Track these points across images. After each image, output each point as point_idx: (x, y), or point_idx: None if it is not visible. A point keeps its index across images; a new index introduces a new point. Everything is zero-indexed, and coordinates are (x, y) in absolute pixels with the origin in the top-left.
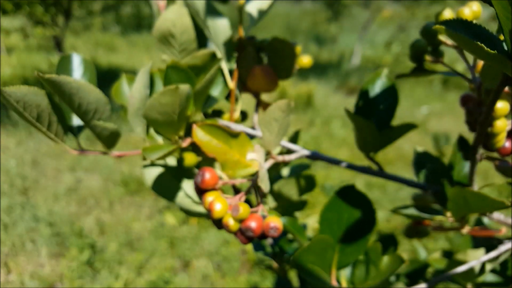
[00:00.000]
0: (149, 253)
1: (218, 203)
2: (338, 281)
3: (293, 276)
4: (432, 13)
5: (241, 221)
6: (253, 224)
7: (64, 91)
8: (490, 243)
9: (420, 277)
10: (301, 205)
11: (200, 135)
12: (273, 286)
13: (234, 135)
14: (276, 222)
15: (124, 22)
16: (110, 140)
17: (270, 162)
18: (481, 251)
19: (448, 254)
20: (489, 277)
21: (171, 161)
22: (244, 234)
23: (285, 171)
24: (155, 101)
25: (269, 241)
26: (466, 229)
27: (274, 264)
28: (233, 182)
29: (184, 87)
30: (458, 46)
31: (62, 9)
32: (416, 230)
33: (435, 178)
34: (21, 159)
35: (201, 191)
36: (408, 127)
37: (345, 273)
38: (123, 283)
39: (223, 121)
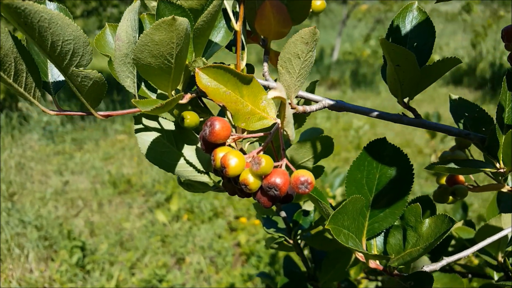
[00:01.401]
0: (141, 251)
1: (233, 157)
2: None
3: (297, 260)
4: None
5: (263, 177)
6: (278, 179)
7: (32, 24)
8: None
9: (444, 250)
10: (317, 172)
11: (204, 80)
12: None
13: (246, 80)
14: (306, 175)
15: None
16: (93, 93)
17: (291, 111)
18: None
19: (469, 224)
20: None
21: (168, 125)
22: (267, 194)
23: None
24: (147, 38)
25: (282, 214)
26: (506, 188)
27: (290, 242)
28: (247, 136)
29: (182, 20)
30: None
31: None
32: (452, 190)
33: (476, 125)
34: (5, 164)
35: (209, 147)
36: (452, 62)
37: (377, 242)
38: (116, 283)
39: None
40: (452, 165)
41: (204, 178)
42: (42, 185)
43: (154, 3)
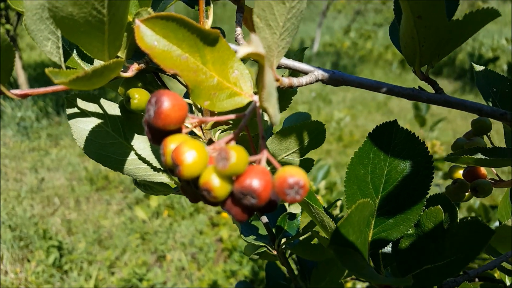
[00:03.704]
0: (120, 250)
1: (190, 150)
2: (378, 262)
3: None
4: None
5: (233, 179)
6: (256, 182)
7: None
8: None
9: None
10: (305, 166)
11: (149, 37)
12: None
13: (210, 39)
14: (297, 175)
15: None
16: None
17: (273, 78)
18: None
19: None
20: None
21: (113, 109)
22: (240, 203)
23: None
24: None
25: (263, 219)
26: None
27: (273, 251)
28: (212, 119)
29: None
30: None
31: None
32: (472, 186)
33: (506, 102)
34: None
35: (157, 135)
36: (491, 13)
37: (383, 255)
38: (94, 283)
39: None
40: (480, 155)
41: (162, 177)
42: (17, 183)
43: None
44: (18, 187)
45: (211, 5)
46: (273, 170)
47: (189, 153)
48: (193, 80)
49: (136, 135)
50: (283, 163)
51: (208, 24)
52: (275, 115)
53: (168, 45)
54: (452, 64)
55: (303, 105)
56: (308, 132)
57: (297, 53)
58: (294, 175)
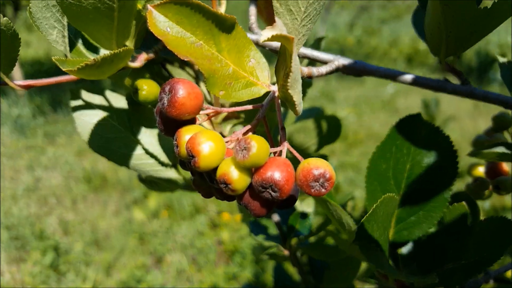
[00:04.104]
0: (118, 251)
1: (207, 140)
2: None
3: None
4: None
5: (253, 171)
6: (278, 174)
7: None
8: None
9: None
10: None
11: (162, 23)
12: (252, 276)
13: (226, 26)
14: (323, 167)
15: None
16: (3, 52)
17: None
18: None
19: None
20: None
21: (119, 101)
22: (259, 196)
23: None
24: None
25: (274, 218)
26: None
27: (284, 251)
28: (228, 110)
29: None
30: None
31: None
32: (495, 184)
33: None
34: None
35: (170, 125)
36: None
37: (403, 252)
38: (92, 285)
39: None
40: (503, 149)
41: (170, 173)
42: (13, 182)
43: None
44: (15, 186)
45: None
46: (295, 163)
47: (206, 144)
48: (207, 68)
49: (143, 129)
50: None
51: (222, 11)
52: (299, 103)
53: (182, 31)
54: (459, 61)
55: (306, 103)
56: (324, 127)
57: (314, 43)
58: (319, 166)
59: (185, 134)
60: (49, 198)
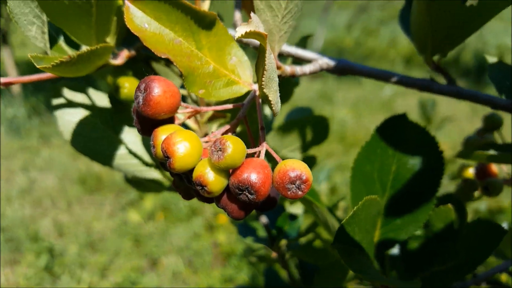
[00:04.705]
0: (113, 253)
1: (182, 141)
2: (381, 266)
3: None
4: None
5: (230, 172)
6: (254, 175)
7: None
8: None
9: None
10: (308, 163)
11: (139, 18)
12: (249, 279)
13: (206, 22)
14: (300, 169)
15: None
16: None
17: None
18: None
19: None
20: None
21: (101, 99)
22: (236, 199)
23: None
24: None
25: (262, 220)
26: None
27: (272, 254)
28: (208, 109)
29: None
30: None
31: None
32: (484, 185)
33: None
34: None
35: (146, 124)
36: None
37: (391, 253)
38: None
39: None
40: (492, 151)
41: (154, 174)
42: (7, 183)
43: None
44: (8, 187)
45: None
46: (273, 164)
47: (181, 144)
48: (186, 66)
49: (126, 128)
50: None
51: (205, 6)
52: (276, 102)
53: (160, 27)
54: (456, 63)
55: (303, 103)
56: (310, 127)
57: (300, 41)
58: (296, 168)
59: (162, 134)
60: (44, 199)
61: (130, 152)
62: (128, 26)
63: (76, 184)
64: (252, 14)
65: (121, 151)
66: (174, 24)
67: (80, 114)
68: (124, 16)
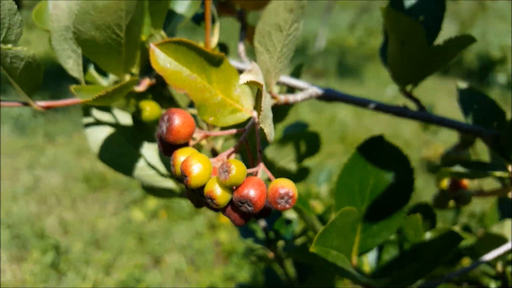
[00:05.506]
0: (117, 251)
1: (196, 163)
2: (359, 269)
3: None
4: None
5: (233, 189)
6: (252, 192)
7: None
8: None
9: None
10: (301, 174)
11: (162, 59)
12: (250, 277)
13: (215, 61)
14: (288, 187)
15: None
16: (28, 78)
17: (269, 101)
18: None
19: (466, 228)
20: None
21: (124, 118)
22: (238, 209)
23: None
24: (88, 4)
25: (261, 224)
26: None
27: (269, 254)
28: (216, 134)
29: None
30: None
31: None
32: (455, 195)
33: (486, 120)
34: None
35: (168, 148)
36: (466, 40)
37: (368, 258)
38: (92, 284)
39: None
40: (458, 168)
41: (168, 183)
42: (13, 181)
43: None
44: (14, 185)
45: (217, 23)
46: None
47: (195, 166)
48: (200, 98)
49: (145, 143)
50: (282, 169)
51: (214, 41)
52: (270, 134)
53: (179, 66)
54: (459, 64)
55: (304, 104)
56: (304, 141)
57: (294, 71)
58: (284, 186)
59: (180, 156)
60: (49, 197)
61: (149, 164)
62: (153, 67)
63: (81, 182)
64: (252, 63)
65: (141, 164)
66: (190, 63)
67: (106, 131)
68: (150, 58)
